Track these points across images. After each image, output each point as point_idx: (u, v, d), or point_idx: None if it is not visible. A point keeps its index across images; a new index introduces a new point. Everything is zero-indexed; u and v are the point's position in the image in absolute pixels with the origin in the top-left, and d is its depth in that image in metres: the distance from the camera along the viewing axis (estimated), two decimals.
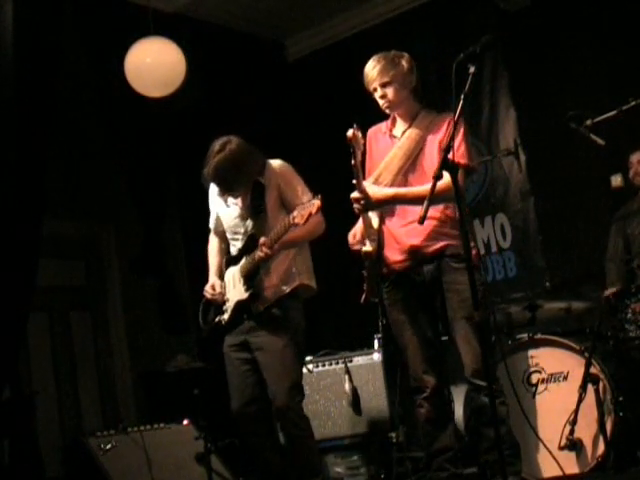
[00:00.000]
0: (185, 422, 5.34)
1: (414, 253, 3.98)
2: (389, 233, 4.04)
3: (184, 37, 6.24)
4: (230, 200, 4.51)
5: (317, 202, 4.04)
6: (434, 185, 3.50)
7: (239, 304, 4.41)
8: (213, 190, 4.61)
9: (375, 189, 3.89)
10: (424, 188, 3.64)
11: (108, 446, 4.93)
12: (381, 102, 4.05)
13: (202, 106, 6.60)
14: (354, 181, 3.82)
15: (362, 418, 5.26)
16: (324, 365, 5.41)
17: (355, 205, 3.87)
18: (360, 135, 3.79)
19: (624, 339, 4.73)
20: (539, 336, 4.86)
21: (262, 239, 4.26)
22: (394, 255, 4.03)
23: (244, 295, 4.39)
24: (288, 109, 7.38)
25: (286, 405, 4.27)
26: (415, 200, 3.77)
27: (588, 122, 4.41)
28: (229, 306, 4.46)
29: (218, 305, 4.50)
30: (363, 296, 4.04)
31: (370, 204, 3.87)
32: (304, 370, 5.33)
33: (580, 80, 6.01)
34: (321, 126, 7.23)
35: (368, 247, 3.93)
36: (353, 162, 3.78)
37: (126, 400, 7.00)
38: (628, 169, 5.30)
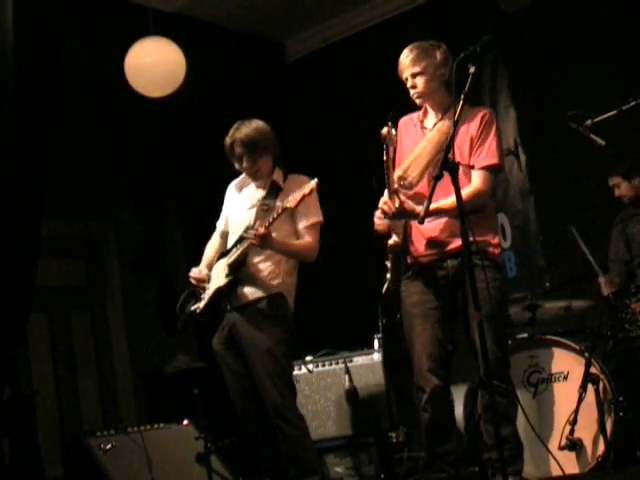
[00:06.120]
0: (185, 422, 5.33)
1: (439, 247, 3.95)
2: (416, 227, 3.98)
3: (184, 37, 6.23)
4: (246, 191, 4.52)
5: (312, 184, 4.03)
6: (434, 185, 3.50)
7: (218, 291, 4.38)
8: (230, 189, 4.65)
9: (412, 205, 3.81)
10: (451, 200, 3.63)
11: (108, 446, 4.92)
12: (411, 92, 4.02)
13: (202, 106, 6.60)
14: (385, 176, 3.77)
15: (362, 418, 5.26)
16: (324, 365, 5.40)
17: (384, 208, 3.82)
18: (394, 132, 3.75)
19: (624, 339, 4.73)
20: (539, 336, 4.87)
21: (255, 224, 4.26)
22: (419, 248, 4.00)
23: (223, 281, 4.35)
24: (287, 109, 7.38)
25: (281, 404, 4.27)
26: (452, 210, 3.73)
27: (588, 122, 4.39)
28: (207, 294, 4.44)
29: (199, 294, 4.48)
30: (385, 286, 3.96)
31: (401, 215, 3.83)
32: (304, 370, 5.36)
33: (580, 80, 6.00)
34: (320, 126, 7.23)
35: (394, 239, 3.88)
36: (385, 158, 3.74)
37: (126, 400, 7.01)
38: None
